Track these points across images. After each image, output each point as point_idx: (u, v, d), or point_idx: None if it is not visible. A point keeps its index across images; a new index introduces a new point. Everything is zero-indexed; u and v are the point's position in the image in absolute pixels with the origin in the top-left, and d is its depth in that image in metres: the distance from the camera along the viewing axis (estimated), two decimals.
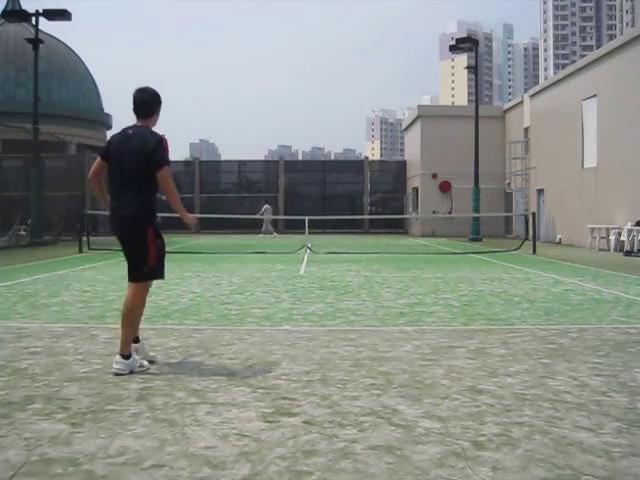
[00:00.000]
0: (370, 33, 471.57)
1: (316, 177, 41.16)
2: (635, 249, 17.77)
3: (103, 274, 11.64)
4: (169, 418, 3.40)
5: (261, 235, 31.40)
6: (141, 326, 6.29)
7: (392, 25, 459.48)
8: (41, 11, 23.53)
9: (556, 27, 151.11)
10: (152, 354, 4.77)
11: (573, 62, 38.20)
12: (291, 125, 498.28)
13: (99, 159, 4.70)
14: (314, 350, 5.15)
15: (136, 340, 4.63)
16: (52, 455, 2.87)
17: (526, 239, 20.46)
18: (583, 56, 36.00)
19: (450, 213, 32.62)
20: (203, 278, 10.85)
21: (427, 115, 35.39)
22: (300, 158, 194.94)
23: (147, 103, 4.65)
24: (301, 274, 11.84)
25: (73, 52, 44.01)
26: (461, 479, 2.63)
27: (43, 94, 29.61)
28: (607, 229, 20.23)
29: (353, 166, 44.19)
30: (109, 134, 46.61)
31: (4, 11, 33.15)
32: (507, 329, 6.14)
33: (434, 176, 33.96)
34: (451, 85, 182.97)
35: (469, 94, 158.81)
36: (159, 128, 4.72)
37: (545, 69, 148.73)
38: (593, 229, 21.02)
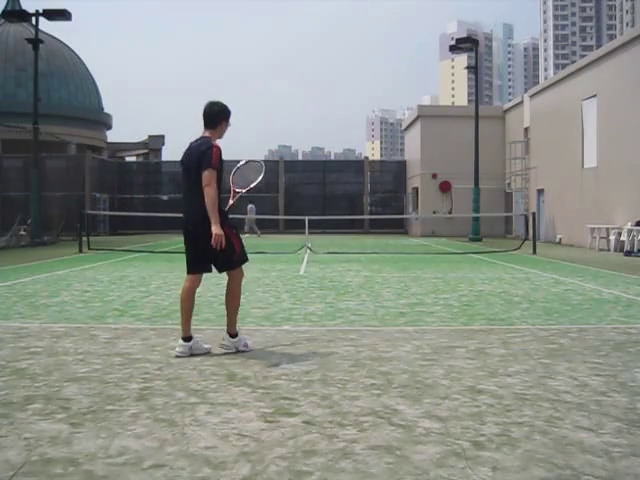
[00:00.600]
0: (370, 33, 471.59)
1: (316, 177, 41.14)
2: (635, 249, 17.77)
3: (103, 274, 11.65)
4: (169, 418, 3.40)
5: (247, 235, 31.55)
6: (141, 326, 6.30)
7: (392, 25, 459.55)
8: (41, 11, 23.54)
9: (556, 27, 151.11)
10: (206, 346, 5.09)
11: (573, 62, 38.20)
12: (291, 125, 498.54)
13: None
14: (314, 350, 5.15)
15: (188, 339, 4.97)
16: (52, 455, 2.87)
17: (526, 239, 20.46)
18: (583, 56, 36.03)
19: (450, 213, 32.62)
20: (203, 278, 10.83)
21: (427, 115, 35.38)
22: (300, 158, 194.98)
23: (214, 115, 5.02)
24: (301, 274, 11.84)
25: (73, 52, 44.01)
26: (461, 479, 2.63)
27: (43, 94, 29.62)
28: (607, 229, 20.23)
29: (353, 166, 44.13)
30: (109, 134, 46.73)
31: (4, 11, 33.15)
32: (507, 329, 6.14)
33: (434, 176, 33.95)
34: (451, 85, 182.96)
35: (469, 94, 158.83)
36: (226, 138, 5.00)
37: (545, 69, 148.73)
38: (593, 229, 21.02)
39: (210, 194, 4.77)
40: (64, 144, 39.06)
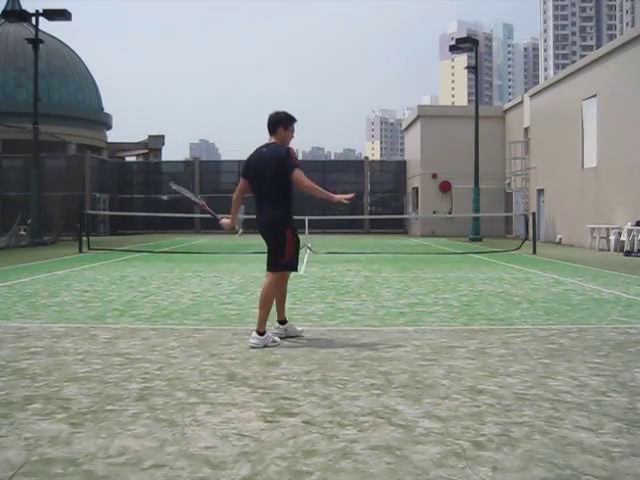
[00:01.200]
0: (370, 33, 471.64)
1: (316, 177, 40.78)
2: (635, 249, 17.77)
3: (103, 274, 11.65)
4: (169, 418, 3.40)
5: (239, 234, 31.72)
6: (141, 326, 6.31)
7: (392, 25, 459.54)
8: (41, 11, 23.54)
9: (556, 27, 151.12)
10: (299, 329, 5.72)
11: (573, 62, 38.19)
12: None
13: (242, 180, 5.64)
14: (314, 350, 5.15)
15: (283, 322, 5.61)
16: (52, 455, 2.87)
17: (526, 239, 20.45)
18: (583, 56, 35.99)
19: (450, 213, 32.63)
20: (203, 278, 10.85)
21: (427, 115, 35.38)
22: (300, 158, 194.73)
23: (270, 122, 5.55)
24: (301, 274, 11.83)
25: (73, 52, 44.02)
26: (461, 479, 2.62)
27: (43, 94, 29.60)
28: (607, 229, 20.23)
29: (353, 166, 44.17)
30: (109, 134, 46.74)
31: (4, 11, 33.16)
32: (507, 329, 6.14)
33: (434, 176, 33.96)
34: (451, 85, 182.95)
35: (469, 94, 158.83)
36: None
37: (545, 69, 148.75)
38: (593, 229, 21.02)
39: (311, 187, 5.38)
40: (64, 144, 39.07)
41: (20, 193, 32.97)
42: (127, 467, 2.74)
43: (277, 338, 5.44)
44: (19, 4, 39.71)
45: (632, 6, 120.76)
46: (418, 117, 35.51)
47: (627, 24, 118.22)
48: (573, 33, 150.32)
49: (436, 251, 19.89)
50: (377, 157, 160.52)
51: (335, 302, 7.98)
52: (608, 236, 20.01)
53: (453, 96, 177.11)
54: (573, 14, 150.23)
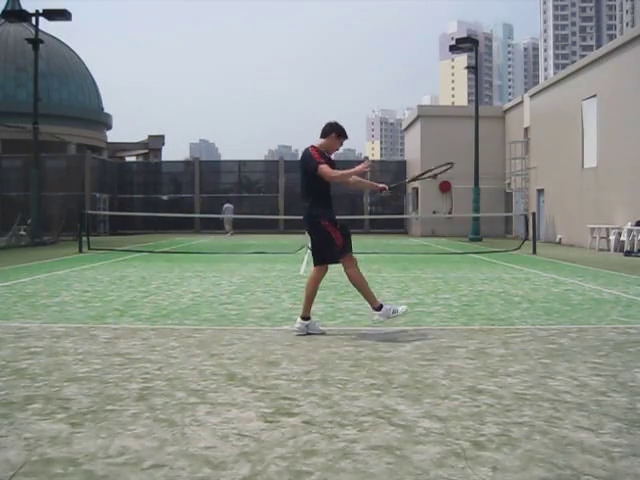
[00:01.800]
0: (370, 33, 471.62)
1: None
2: (635, 249, 17.77)
3: (103, 274, 11.65)
4: (169, 418, 3.40)
5: (229, 234, 31.87)
6: (141, 326, 6.31)
7: (392, 25, 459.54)
8: (41, 11, 23.54)
9: (556, 27, 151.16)
10: (322, 329, 5.87)
11: (573, 62, 38.18)
12: (291, 125, 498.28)
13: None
14: (314, 350, 5.15)
15: (307, 318, 5.77)
16: (52, 455, 2.87)
17: (526, 239, 20.45)
18: (583, 56, 36.00)
19: (450, 213, 32.62)
20: (203, 278, 10.85)
21: (427, 115, 35.37)
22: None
23: (328, 126, 5.99)
24: (301, 274, 11.83)
25: (73, 52, 44.04)
26: (461, 479, 2.62)
27: (43, 94, 29.61)
28: (607, 229, 20.23)
29: (353, 166, 43.94)
30: (109, 134, 46.78)
31: (4, 11, 33.19)
32: (507, 329, 6.14)
33: (434, 176, 33.91)
34: (451, 85, 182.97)
35: (469, 94, 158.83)
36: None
37: (545, 69, 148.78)
38: (593, 229, 21.02)
39: (338, 176, 5.80)
40: (64, 144, 39.10)
41: (20, 193, 32.99)
42: (127, 467, 2.74)
43: (322, 328, 5.85)
44: (19, 4, 39.73)
45: (632, 6, 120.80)
46: (418, 117, 35.50)
47: (627, 24, 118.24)
48: (573, 33, 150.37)
49: (436, 251, 19.89)
50: (377, 157, 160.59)
51: (335, 302, 7.98)
52: (608, 236, 20.00)
53: (453, 96, 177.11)
54: (573, 14, 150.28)
